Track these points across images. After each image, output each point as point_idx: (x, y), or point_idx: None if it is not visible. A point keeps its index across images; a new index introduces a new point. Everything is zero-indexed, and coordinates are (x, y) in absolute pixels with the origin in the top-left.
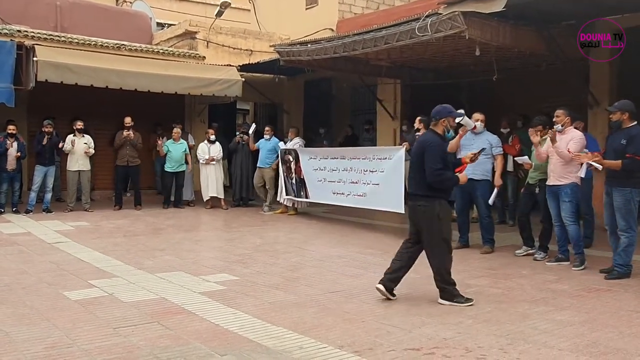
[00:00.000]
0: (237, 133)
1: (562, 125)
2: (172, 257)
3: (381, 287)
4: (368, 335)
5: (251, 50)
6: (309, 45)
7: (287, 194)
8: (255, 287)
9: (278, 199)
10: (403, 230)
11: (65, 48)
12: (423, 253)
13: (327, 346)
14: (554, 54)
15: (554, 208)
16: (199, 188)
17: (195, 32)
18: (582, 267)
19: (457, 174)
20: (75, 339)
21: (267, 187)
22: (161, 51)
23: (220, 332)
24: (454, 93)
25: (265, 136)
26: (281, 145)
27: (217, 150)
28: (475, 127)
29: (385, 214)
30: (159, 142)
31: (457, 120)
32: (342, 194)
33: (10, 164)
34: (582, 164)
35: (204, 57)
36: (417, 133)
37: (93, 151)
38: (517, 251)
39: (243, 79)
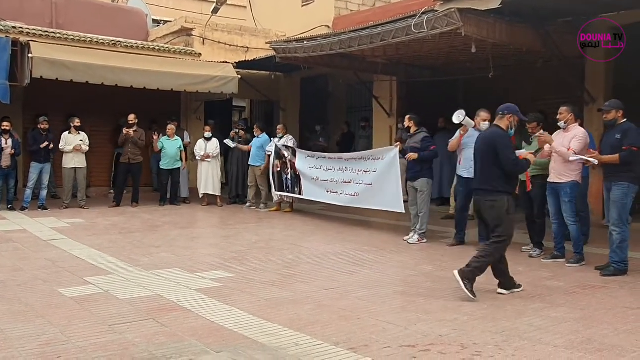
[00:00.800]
0: (233, 129)
1: (565, 122)
2: (168, 254)
3: (503, 291)
4: (364, 332)
5: (247, 47)
6: (305, 42)
7: (280, 190)
8: (251, 284)
9: (274, 196)
10: (399, 227)
11: (61, 45)
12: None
13: (322, 343)
14: (550, 51)
15: (553, 205)
16: (194, 185)
17: (192, 29)
18: (578, 264)
19: (524, 159)
20: (71, 336)
21: (259, 185)
22: (157, 48)
23: (216, 329)
24: (450, 90)
25: (255, 133)
26: (274, 141)
27: (213, 147)
28: (475, 125)
29: (381, 212)
30: (154, 138)
31: (456, 121)
32: (336, 192)
33: (5, 161)
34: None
35: (200, 54)
36: (411, 132)
37: (87, 148)
38: (531, 252)
39: (239, 76)
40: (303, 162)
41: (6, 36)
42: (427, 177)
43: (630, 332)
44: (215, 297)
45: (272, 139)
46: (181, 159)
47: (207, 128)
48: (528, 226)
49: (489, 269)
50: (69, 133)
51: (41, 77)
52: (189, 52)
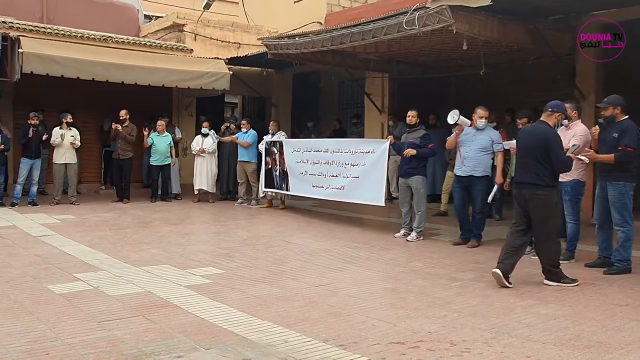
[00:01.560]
0: (225, 124)
1: (568, 120)
2: (158, 250)
3: (497, 271)
4: (353, 329)
5: (239, 44)
6: (296, 39)
7: (269, 187)
8: (241, 280)
9: (260, 192)
10: (390, 224)
11: (52, 40)
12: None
13: (311, 340)
14: (540, 48)
15: None
16: (186, 181)
17: (183, 25)
18: (567, 261)
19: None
20: (59, 332)
21: (250, 181)
22: (148, 44)
23: (205, 325)
24: (441, 87)
25: (242, 129)
26: (266, 138)
27: (209, 142)
28: (471, 124)
29: (372, 208)
30: (144, 134)
31: (451, 121)
32: (322, 187)
33: None
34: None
35: (192, 49)
36: (412, 128)
37: (79, 144)
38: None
39: (231, 72)
40: (290, 156)
41: None
42: (422, 174)
43: (618, 329)
44: (205, 294)
45: (264, 136)
46: (171, 155)
47: (206, 124)
48: None
49: (498, 256)
50: (60, 128)
51: (31, 72)
52: (180, 48)
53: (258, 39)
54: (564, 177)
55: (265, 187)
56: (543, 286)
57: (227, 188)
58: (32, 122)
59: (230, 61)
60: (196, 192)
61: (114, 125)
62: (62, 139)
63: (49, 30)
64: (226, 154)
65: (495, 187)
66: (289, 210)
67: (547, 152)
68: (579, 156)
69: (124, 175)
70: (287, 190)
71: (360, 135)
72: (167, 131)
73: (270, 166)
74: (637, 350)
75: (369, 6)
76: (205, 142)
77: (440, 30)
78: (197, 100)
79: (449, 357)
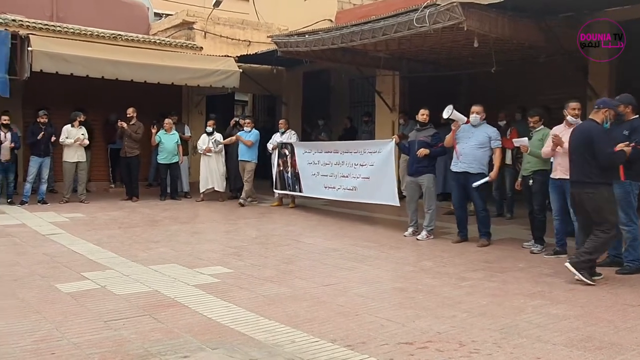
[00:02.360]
0: (233, 119)
1: (574, 118)
2: (167, 249)
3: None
4: (361, 328)
5: (249, 41)
6: (307, 36)
7: (282, 188)
8: (250, 279)
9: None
10: (400, 222)
11: (61, 38)
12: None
13: (319, 340)
14: (552, 46)
15: (557, 201)
16: (195, 180)
17: (193, 23)
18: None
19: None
20: (66, 332)
21: (244, 180)
22: (158, 41)
23: (213, 325)
24: (452, 85)
25: (245, 128)
26: (276, 136)
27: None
28: (468, 120)
29: (383, 207)
30: (152, 131)
31: (445, 116)
32: (334, 187)
33: (4, 155)
34: None
35: (202, 47)
36: (423, 126)
37: (87, 142)
38: (532, 248)
39: (241, 70)
40: (301, 158)
41: (5, 29)
42: (433, 172)
43: (630, 330)
44: (213, 293)
45: (273, 134)
46: (178, 153)
47: (210, 122)
48: (530, 222)
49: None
50: (72, 126)
51: (41, 70)
52: (190, 45)
53: (268, 37)
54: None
55: (278, 188)
56: (554, 286)
57: (235, 186)
58: (42, 120)
59: (240, 59)
60: (201, 192)
61: (119, 123)
62: (71, 138)
63: (58, 29)
64: (234, 153)
65: (485, 179)
66: (300, 209)
67: (592, 149)
68: None
69: (131, 173)
70: (300, 191)
71: (371, 133)
72: (176, 129)
73: (282, 168)
74: None
75: (379, 3)
76: (211, 140)
77: (451, 27)
78: (207, 98)
79: (458, 358)
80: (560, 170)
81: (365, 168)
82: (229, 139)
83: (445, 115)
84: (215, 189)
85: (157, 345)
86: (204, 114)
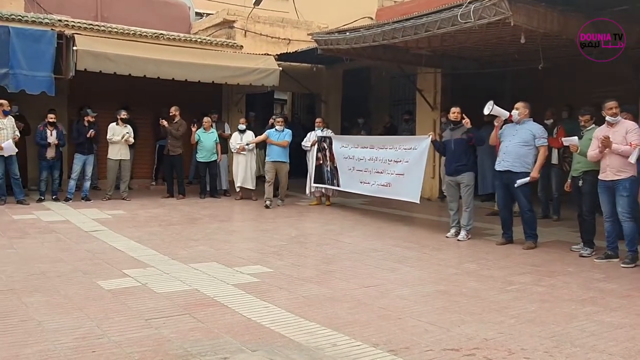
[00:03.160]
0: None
1: (613, 117)
2: (206, 247)
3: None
4: (404, 333)
5: (289, 39)
6: (347, 34)
7: (319, 182)
8: (289, 280)
9: (307, 190)
10: (441, 223)
11: (105, 37)
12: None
13: (361, 344)
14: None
15: (607, 203)
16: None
17: (233, 21)
18: (633, 265)
19: None
20: (106, 330)
21: (281, 181)
22: (199, 40)
23: (252, 326)
24: (496, 83)
25: (276, 127)
26: (311, 134)
27: (248, 138)
28: (510, 116)
29: (422, 207)
30: (192, 130)
31: (486, 111)
32: (368, 183)
33: (50, 153)
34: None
35: (242, 46)
36: (456, 125)
37: (132, 140)
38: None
39: (280, 68)
40: (339, 152)
41: (52, 29)
42: (473, 170)
43: None
44: (252, 293)
45: (309, 132)
46: (217, 151)
47: (242, 120)
48: (579, 224)
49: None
50: (117, 124)
51: (85, 69)
52: (230, 44)
53: (308, 35)
54: (619, 174)
55: (316, 182)
56: (607, 292)
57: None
58: (88, 119)
59: (280, 57)
60: (237, 190)
61: (160, 121)
62: (117, 135)
63: (102, 28)
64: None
65: (527, 179)
66: (337, 208)
67: None
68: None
69: (175, 171)
70: (337, 185)
71: (412, 132)
72: (217, 127)
73: (321, 162)
74: None
75: (421, 0)
76: (244, 139)
77: (496, 23)
78: (247, 96)
79: None
80: (610, 171)
81: (400, 164)
82: (258, 137)
83: (486, 111)
84: (246, 186)
85: (196, 346)
86: (244, 112)
